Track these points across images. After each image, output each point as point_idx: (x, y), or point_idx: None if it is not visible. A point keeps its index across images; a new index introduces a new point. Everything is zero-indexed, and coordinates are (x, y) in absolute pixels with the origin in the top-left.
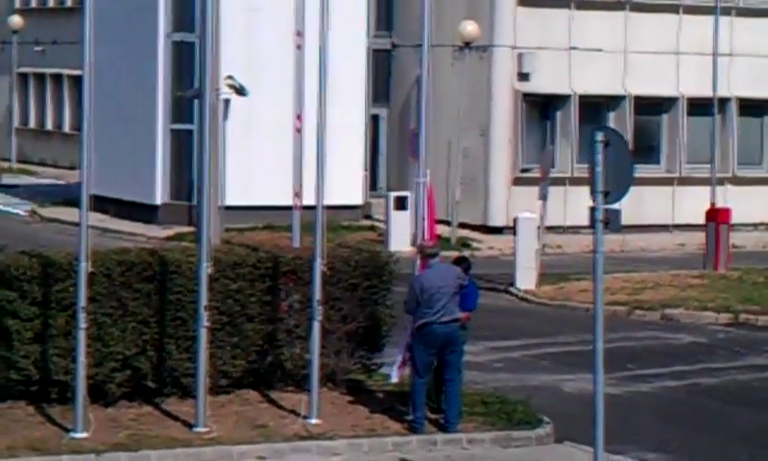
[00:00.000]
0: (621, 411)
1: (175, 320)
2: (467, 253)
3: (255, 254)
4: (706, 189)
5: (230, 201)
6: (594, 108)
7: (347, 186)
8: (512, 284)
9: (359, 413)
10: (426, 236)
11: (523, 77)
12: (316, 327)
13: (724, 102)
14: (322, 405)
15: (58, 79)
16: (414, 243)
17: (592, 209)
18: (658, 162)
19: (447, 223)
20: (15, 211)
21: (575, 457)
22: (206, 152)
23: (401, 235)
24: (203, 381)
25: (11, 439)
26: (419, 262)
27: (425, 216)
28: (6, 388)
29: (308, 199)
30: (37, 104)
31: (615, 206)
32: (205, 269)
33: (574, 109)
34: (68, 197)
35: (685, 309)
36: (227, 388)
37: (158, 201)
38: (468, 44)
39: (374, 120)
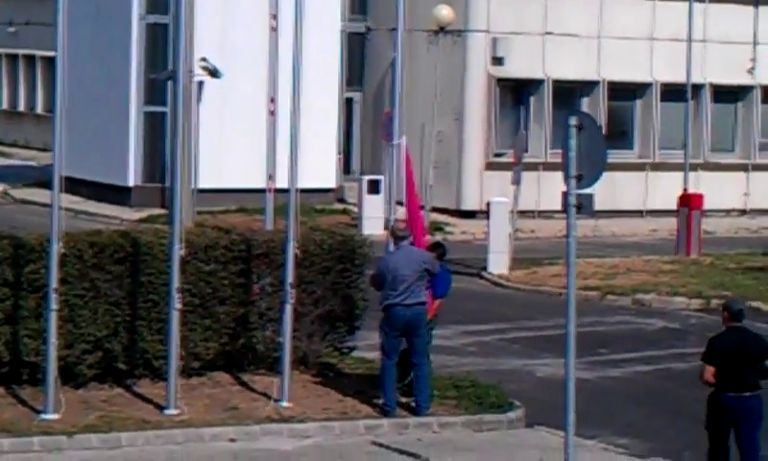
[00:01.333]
0: (592, 395)
1: (147, 302)
2: (439, 237)
3: (228, 237)
4: (678, 175)
5: (203, 183)
6: (568, 93)
7: (320, 170)
8: (484, 269)
9: (331, 396)
10: (406, 201)
11: (497, 61)
12: (288, 310)
13: (697, 88)
14: (293, 388)
15: (30, 60)
16: (386, 227)
17: (565, 194)
18: (631, 148)
19: (421, 207)
20: None
21: (546, 441)
22: (180, 134)
23: (374, 219)
24: (174, 363)
25: None
26: (391, 243)
27: (404, 178)
28: None
29: (281, 182)
30: (10, 85)
31: (588, 190)
32: (178, 251)
33: (548, 93)
34: (41, 178)
35: (657, 294)
36: (198, 370)
37: (131, 183)
38: (442, 28)
39: (348, 103)
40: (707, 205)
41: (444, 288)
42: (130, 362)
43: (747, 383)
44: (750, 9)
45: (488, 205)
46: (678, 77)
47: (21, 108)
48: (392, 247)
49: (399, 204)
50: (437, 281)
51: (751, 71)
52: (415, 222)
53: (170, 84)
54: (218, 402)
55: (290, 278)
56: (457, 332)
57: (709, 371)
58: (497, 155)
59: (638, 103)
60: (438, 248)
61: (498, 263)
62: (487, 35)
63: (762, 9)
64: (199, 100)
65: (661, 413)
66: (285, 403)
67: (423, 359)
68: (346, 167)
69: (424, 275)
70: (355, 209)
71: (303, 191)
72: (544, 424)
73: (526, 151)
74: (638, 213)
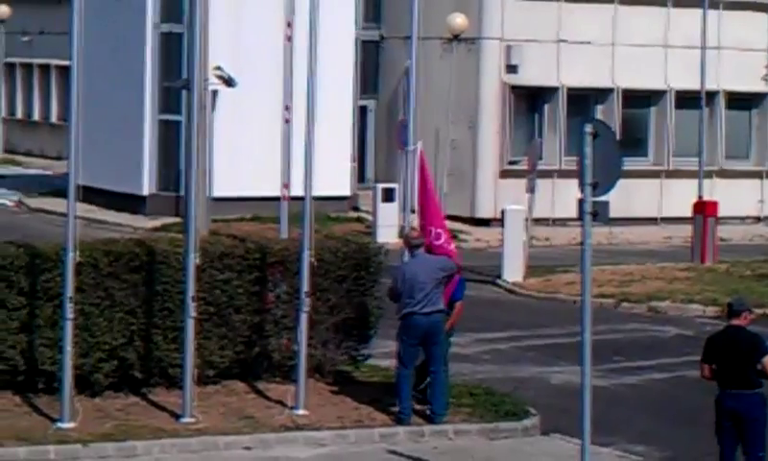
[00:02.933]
0: (608, 403)
1: (162, 310)
2: (454, 245)
3: (243, 245)
4: (693, 182)
5: (218, 192)
6: (582, 100)
7: (334, 178)
8: (499, 276)
9: (346, 404)
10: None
11: (511, 69)
12: (303, 318)
13: (712, 95)
14: (308, 396)
15: (45, 69)
16: (401, 234)
17: (581, 201)
18: (645, 155)
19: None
20: (2, 202)
21: (562, 449)
22: (194, 142)
23: (389, 227)
24: (189, 372)
25: None
26: (406, 253)
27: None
28: None
29: (296, 190)
30: (25, 94)
31: (603, 198)
32: (193, 259)
33: (562, 101)
34: (55, 187)
35: (672, 302)
36: (213, 379)
37: (146, 191)
38: (456, 36)
39: (363, 111)
40: (721, 212)
41: (460, 291)
42: (145, 371)
43: (742, 381)
44: (764, 15)
45: (502, 212)
46: (692, 84)
47: (36, 117)
48: (407, 256)
49: (413, 211)
50: (455, 286)
51: (765, 78)
52: (435, 220)
53: (184, 92)
54: (233, 411)
55: (305, 286)
56: (472, 340)
57: (704, 368)
58: (512, 162)
59: (653, 110)
60: None
61: (513, 271)
62: (501, 42)
63: None
64: (213, 108)
65: (677, 421)
66: (300, 412)
67: (440, 367)
68: (360, 175)
69: (442, 282)
70: (370, 217)
71: (318, 199)
72: (560, 432)
73: (541, 158)
74: (653, 220)
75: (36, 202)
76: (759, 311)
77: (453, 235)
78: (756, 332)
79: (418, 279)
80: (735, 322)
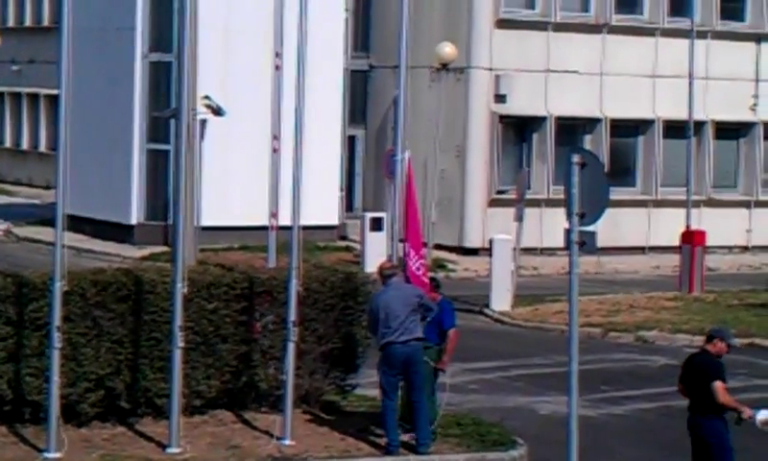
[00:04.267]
0: (595, 433)
1: (149, 340)
2: (441, 274)
3: (230, 275)
4: (681, 212)
5: (206, 221)
6: (571, 130)
7: (323, 207)
8: (487, 306)
9: (333, 434)
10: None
11: (500, 98)
12: (291, 347)
13: (700, 125)
14: (296, 426)
15: (34, 98)
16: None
17: (568, 231)
18: (633, 184)
19: (423, 244)
20: None
21: None
22: (183, 172)
23: (377, 256)
24: (176, 402)
25: None
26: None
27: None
28: None
29: (284, 219)
30: (13, 123)
31: (591, 228)
32: (180, 289)
33: (550, 130)
34: (44, 216)
35: (660, 331)
36: (201, 408)
37: (134, 221)
38: (445, 66)
39: (351, 141)
40: (709, 241)
41: (452, 319)
42: (132, 400)
43: (699, 405)
44: (752, 45)
45: (490, 242)
46: (680, 114)
47: (25, 146)
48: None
49: (402, 241)
50: (443, 315)
51: (753, 108)
52: (413, 234)
53: (173, 121)
54: (220, 441)
55: (292, 315)
56: (459, 370)
57: (679, 386)
58: (500, 192)
59: (641, 139)
60: (431, 281)
61: (501, 300)
62: (489, 72)
63: (764, 45)
64: (202, 138)
65: (665, 450)
66: (288, 442)
67: (422, 396)
68: (348, 204)
69: (417, 309)
70: (358, 247)
71: (306, 228)
72: None
73: (529, 188)
74: (641, 250)
75: (24, 231)
76: (746, 341)
77: (441, 265)
78: (719, 361)
79: (391, 308)
80: (707, 346)
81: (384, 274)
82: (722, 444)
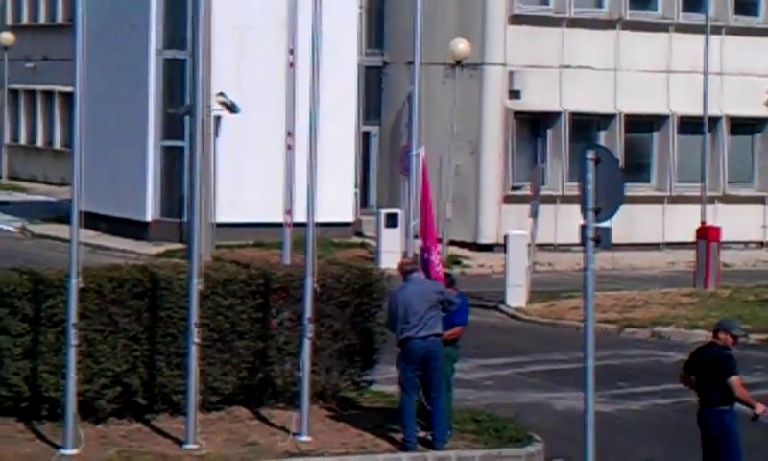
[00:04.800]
0: (612, 429)
1: (165, 336)
2: (456, 270)
3: (246, 271)
4: (696, 207)
5: (221, 218)
6: (585, 125)
7: (337, 204)
8: (502, 302)
9: (349, 430)
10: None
11: (514, 95)
12: (307, 344)
13: (714, 120)
14: (312, 423)
15: (49, 95)
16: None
17: (583, 227)
18: (648, 180)
19: (438, 240)
20: (6, 228)
21: None
22: (197, 169)
23: (392, 253)
24: (193, 398)
25: (0, 455)
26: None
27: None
28: None
29: (299, 216)
30: (28, 120)
31: (606, 223)
32: (196, 286)
33: (565, 126)
34: (59, 213)
35: (676, 327)
36: (217, 405)
37: (149, 217)
38: (459, 62)
39: (366, 137)
40: (724, 237)
41: (463, 315)
42: (149, 397)
43: (707, 397)
44: (766, 41)
45: (505, 238)
46: (695, 109)
47: (39, 143)
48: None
49: (416, 237)
50: (457, 310)
51: None
52: (429, 230)
53: (188, 118)
54: (237, 437)
55: (308, 312)
56: (475, 366)
57: (681, 374)
58: (515, 188)
59: (656, 135)
60: (445, 277)
61: (516, 296)
62: (503, 68)
63: None
64: (216, 135)
65: (680, 446)
66: (304, 438)
67: (440, 392)
68: (363, 201)
69: (437, 305)
70: (373, 243)
71: (321, 225)
72: (563, 458)
73: (543, 184)
74: (656, 246)
75: (39, 228)
76: (762, 336)
77: (456, 261)
78: (730, 354)
79: (411, 304)
80: (713, 339)
81: (405, 269)
82: (728, 437)
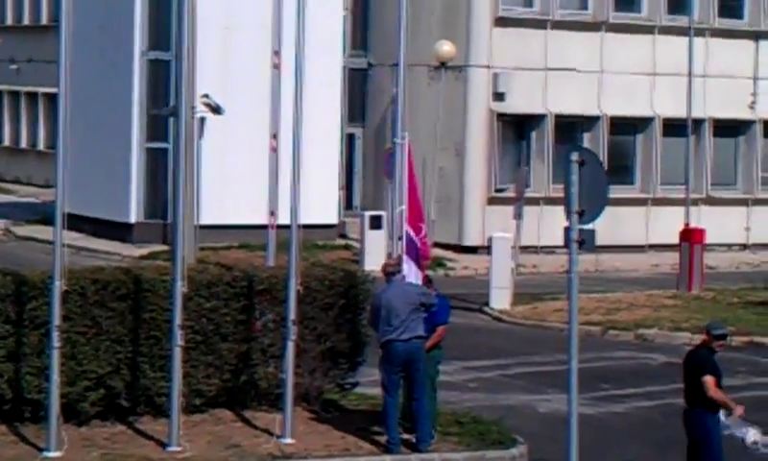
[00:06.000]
0: (595, 431)
1: (149, 339)
2: (440, 272)
3: (230, 273)
4: (680, 210)
5: (205, 220)
6: (569, 128)
7: (322, 205)
8: (486, 304)
9: (333, 433)
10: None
11: (499, 97)
12: (290, 346)
13: (698, 122)
14: (295, 425)
15: (33, 97)
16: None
17: (567, 229)
18: (632, 183)
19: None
20: None
21: None
22: (182, 170)
23: (376, 255)
24: (176, 400)
25: None
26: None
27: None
28: None
29: (283, 218)
30: (12, 122)
31: (590, 226)
32: (180, 288)
33: (549, 128)
34: (43, 215)
35: (660, 329)
36: (200, 407)
37: (133, 219)
38: (443, 64)
39: (350, 139)
40: (708, 239)
41: (444, 315)
42: (132, 399)
43: (689, 398)
44: (750, 43)
45: (489, 240)
46: (679, 112)
47: (23, 144)
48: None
49: (400, 238)
50: (437, 310)
51: (752, 106)
52: (416, 211)
53: (172, 120)
54: (220, 439)
55: (292, 314)
56: (459, 368)
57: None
58: (499, 190)
59: (640, 137)
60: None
61: (500, 298)
62: (488, 70)
63: (763, 43)
64: (201, 136)
65: (665, 449)
66: (287, 440)
67: (423, 394)
68: (347, 203)
69: (419, 308)
70: (357, 245)
71: (305, 227)
72: (547, 460)
73: (528, 186)
74: (640, 248)
75: (23, 230)
76: (746, 339)
77: (440, 263)
78: (709, 355)
79: (393, 306)
80: (702, 343)
81: (387, 271)
82: (709, 440)
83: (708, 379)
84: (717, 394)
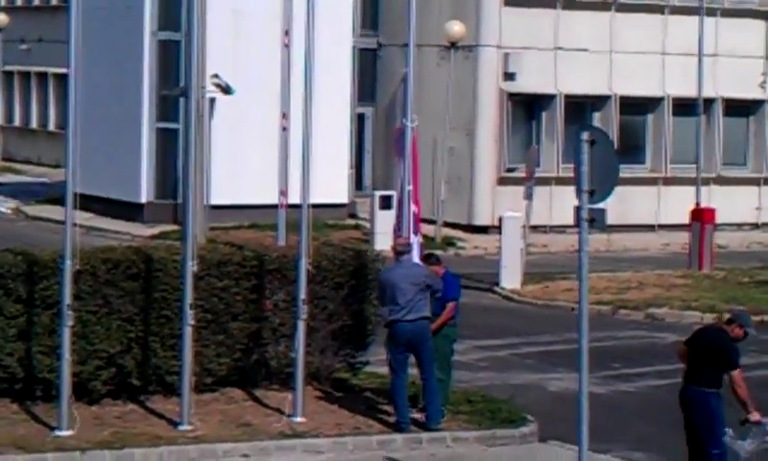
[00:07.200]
0: (606, 410)
1: (160, 318)
2: (451, 252)
3: (240, 253)
4: (690, 189)
5: (216, 199)
6: (580, 107)
7: (332, 185)
8: (497, 284)
9: (344, 411)
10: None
11: (509, 77)
12: (301, 325)
13: (709, 102)
14: (306, 404)
15: (43, 77)
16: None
17: (577, 209)
18: (643, 162)
19: (433, 222)
20: (0, 209)
21: (559, 456)
22: (192, 150)
23: (386, 234)
24: (187, 379)
25: None
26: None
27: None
28: None
29: (294, 197)
30: (22, 102)
31: (600, 205)
32: (191, 267)
33: (559, 108)
34: (53, 195)
35: (670, 309)
36: (211, 386)
37: (144, 199)
38: (453, 44)
39: (360, 119)
40: (719, 219)
41: (454, 291)
42: (143, 378)
43: (698, 379)
44: (761, 23)
45: (500, 219)
46: (689, 91)
47: (34, 124)
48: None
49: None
50: (445, 287)
51: (762, 85)
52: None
53: (182, 100)
54: (231, 418)
55: (302, 293)
56: (469, 347)
57: (681, 348)
58: (509, 170)
59: (650, 117)
60: (430, 258)
61: (511, 278)
62: (498, 50)
63: None
64: (211, 116)
65: (675, 427)
66: (298, 419)
67: (431, 373)
68: (357, 183)
69: (425, 289)
70: (367, 225)
71: (315, 207)
72: (557, 439)
73: (538, 166)
74: (651, 228)
75: (33, 210)
76: (757, 318)
77: (450, 242)
78: (736, 346)
79: (399, 286)
80: (724, 325)
81: (397, 250)
82: (713, 421)
83: (739, 374)
84: (746, 392)
